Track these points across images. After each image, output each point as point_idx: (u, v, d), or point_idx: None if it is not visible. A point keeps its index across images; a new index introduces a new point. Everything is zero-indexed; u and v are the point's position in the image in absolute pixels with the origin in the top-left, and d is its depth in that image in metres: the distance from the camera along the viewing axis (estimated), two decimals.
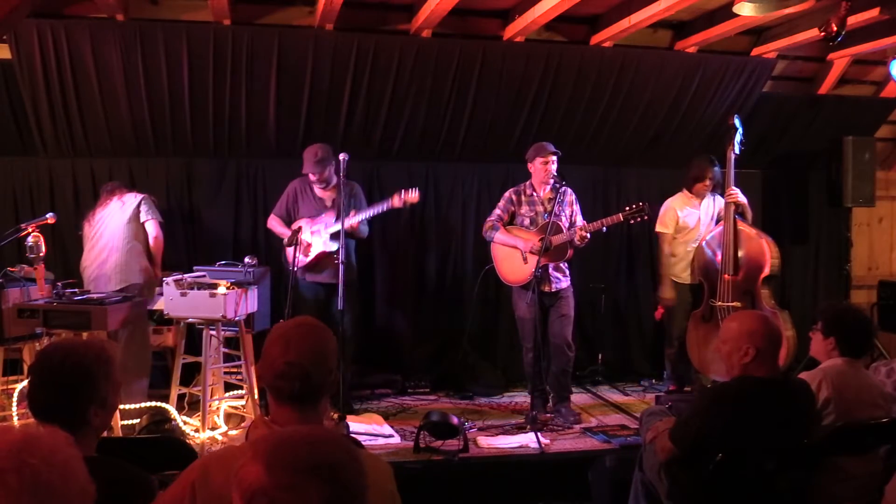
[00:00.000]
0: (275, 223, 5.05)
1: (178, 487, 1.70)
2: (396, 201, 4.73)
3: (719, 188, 5.21)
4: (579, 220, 4.83)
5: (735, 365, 2.74)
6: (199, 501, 1.66)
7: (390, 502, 1.79)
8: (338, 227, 4.58)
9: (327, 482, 1.20)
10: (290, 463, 1.21)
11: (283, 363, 1.80)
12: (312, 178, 4.86)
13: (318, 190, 4.95)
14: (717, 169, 5.16)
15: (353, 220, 4.76)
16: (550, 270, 4.76)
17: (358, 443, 1.93)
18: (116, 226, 4.75)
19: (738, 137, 4.91)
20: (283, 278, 5.08)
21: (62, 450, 1.23)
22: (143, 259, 4.79)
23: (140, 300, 4.40)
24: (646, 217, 4.65)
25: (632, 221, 4.65)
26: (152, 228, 4.84)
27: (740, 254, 4.86)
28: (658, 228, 5.22)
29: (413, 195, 4.72)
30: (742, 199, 4.92)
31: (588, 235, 4.61)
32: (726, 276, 4.85)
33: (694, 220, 5.20)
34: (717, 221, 5.13)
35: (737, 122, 4.94)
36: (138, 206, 4.82)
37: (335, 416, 4.19)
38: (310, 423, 1.79)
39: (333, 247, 4.70)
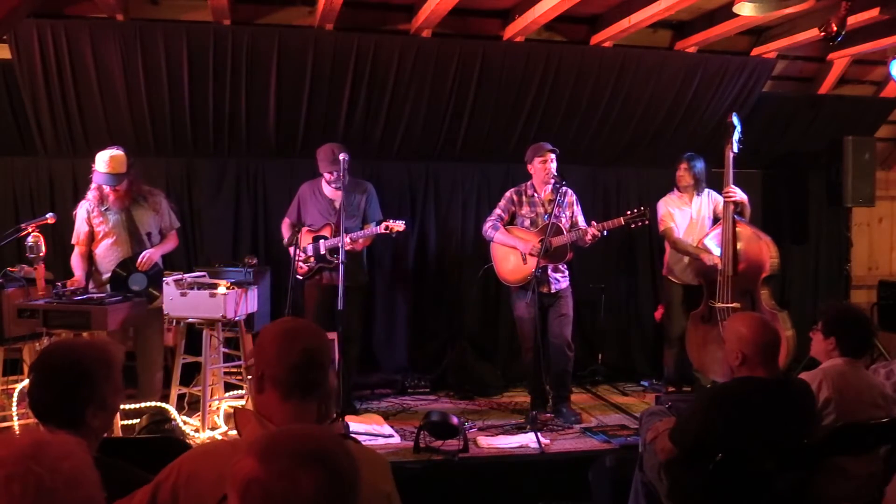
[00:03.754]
0: (284, 228, 5.08)
1: (156, 488, 1.69)
2: (383, 228, 4.73)
3: (703, 183, 5.22)
4: (581, 221, 4.83)
5: (730, 366, 2.78)
6: (182, 500, 1.65)
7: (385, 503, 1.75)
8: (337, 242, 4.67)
9: (320, 469, 1.21)
10: (283, 452, 1.23)
11: (299, 351, 1.76)
12: (329, 177, 4.83)
13: (328, 191, 4.93)
14: (696, 164, 5.18)
15: (359, 237, 4.78)
16: (549, 272, 4.76)
17: (352, 438, 1.92)
18: None
19: (736, 136, 4.91)
20: (283, 278, 5.08)
21: (71, 457, 1.22)
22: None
23: (140, 300, 4.39)
24: (647, 221, 4.65)
25: (633, 226, 4.66)
26: None
27: (740, 254, 4.86)
28: (662, 228, 5.22)
29: (399, 225, 4.73)
30: (741, 197, 4.91)
31: (600, 235, 4.61)
32: (726, 276, 4.84)
33: (686, 218, 5.20)
34: (716, 220, 5.13)
35: (735, 119, 4.93)
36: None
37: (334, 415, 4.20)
38: (301, 420, 1.76)
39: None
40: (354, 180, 4.90)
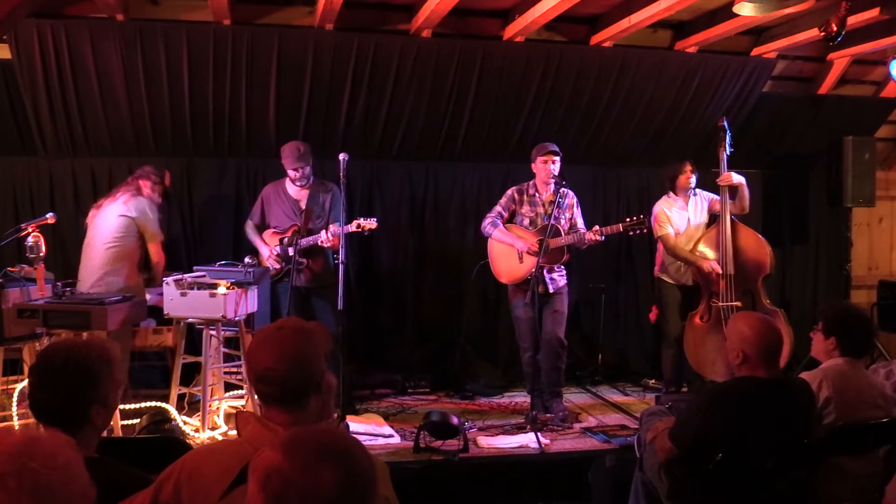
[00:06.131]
0: (249, 230, 5.08)
1: (158, 486, 1.71)
2: (353, 226, 4.64)
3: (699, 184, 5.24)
4: (580, 223, 4.83)
5: (730, 365, 2.78)
6: (185, 498, 1.67)
7: None
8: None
9: (341, 466, 1.25)
10: (307, 447, 1.27)
11: (262, 368, 1.83)
12: (294, 174, 4.82)
13: (293, 191, 4.92)
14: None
15: (332, 235, 4.66)
16: (545, 272, 4.75)
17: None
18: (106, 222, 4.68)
19: (727, 139, 4.99)
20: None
21: (63, 453, 1.24)
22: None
23: (139, 301, 4.39)
24: (645, 230, 4.68)
25: (631, 233, 4.67)
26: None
27: (741, 254, 4.86)
28: (658, 233, 5.19)
29: (371, 223, 4.65)
30: (737, 179, 4.91)
31: (600, 238, 4.63)
32: (727, 276, 4.84)
33: (683, 220, 5.19)
34: (714, 220, 5.14)
35: (725, 124, 5.03)
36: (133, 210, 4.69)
37: (335, 416, 4.19)
38: (300, 422, 1.80)
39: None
40: (318, 181, 4.92)
